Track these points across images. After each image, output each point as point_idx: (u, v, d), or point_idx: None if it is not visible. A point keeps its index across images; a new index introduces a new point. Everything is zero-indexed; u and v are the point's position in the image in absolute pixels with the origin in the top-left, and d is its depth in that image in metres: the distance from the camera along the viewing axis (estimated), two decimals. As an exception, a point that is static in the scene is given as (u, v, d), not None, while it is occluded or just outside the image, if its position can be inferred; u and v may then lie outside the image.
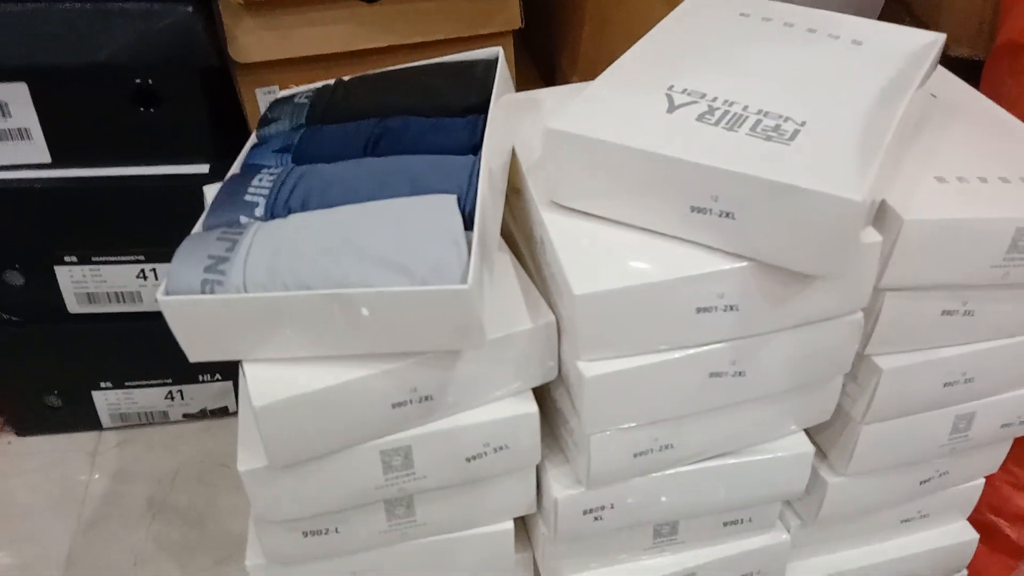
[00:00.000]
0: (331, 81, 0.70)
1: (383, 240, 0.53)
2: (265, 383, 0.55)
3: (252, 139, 0.68)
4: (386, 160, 0.61)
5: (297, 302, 0.52)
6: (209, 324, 0.54)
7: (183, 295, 0.53)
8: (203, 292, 0.53)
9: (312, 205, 0.58)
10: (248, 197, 0.59)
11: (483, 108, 0.64)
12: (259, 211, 0.58)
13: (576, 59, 0.98)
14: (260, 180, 0.60)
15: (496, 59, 0.68)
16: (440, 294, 0.51)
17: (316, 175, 0.60)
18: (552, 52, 1.09)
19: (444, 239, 0.53)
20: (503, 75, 0.67)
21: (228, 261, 0.53)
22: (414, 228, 0.54)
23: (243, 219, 0.58)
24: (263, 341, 0.55)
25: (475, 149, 0.61)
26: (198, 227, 0.59)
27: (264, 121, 0.68)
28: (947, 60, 0.79)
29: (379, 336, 0.54)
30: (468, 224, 0.55)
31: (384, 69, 0.70)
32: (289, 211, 0.58)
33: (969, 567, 0.87)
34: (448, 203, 0.56)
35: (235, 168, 0.65)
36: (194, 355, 0.56)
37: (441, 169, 0.59)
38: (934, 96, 0.72)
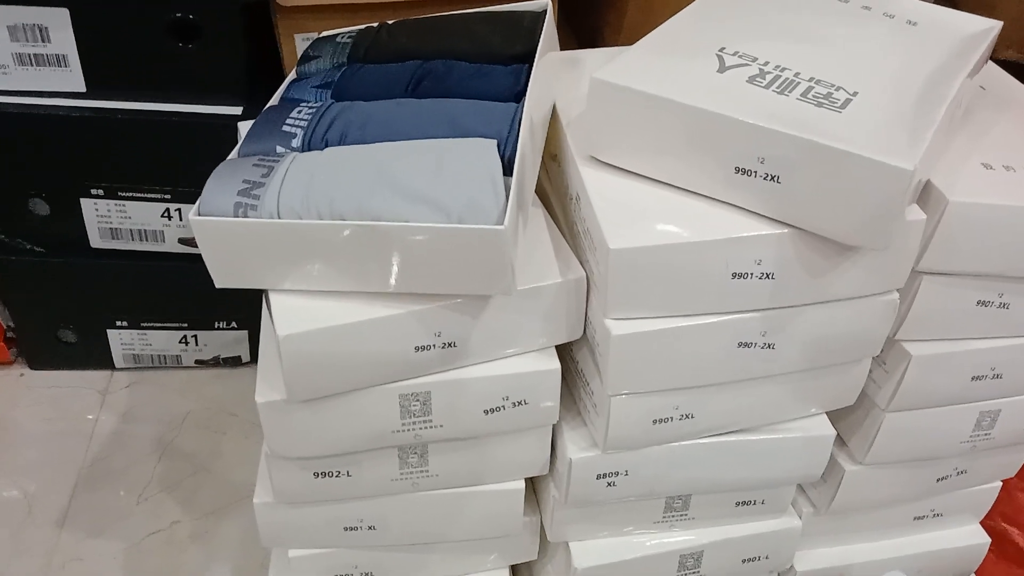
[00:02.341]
0: (374, 24, 0.69)
1: (421, 177, 0.53)
2: (290, 313, 0.54)
3: (291, 75, 0.67)
4: (427, 101, 0.60)
5: (330, 231, 0.52)
6: (239, 249, 0.53)
7: (215, 216, 0.52)
8: (236, 215, 0.52)
9: (350, 140, 0.57)
10: (286, 128, 0.58)
11: (528, 58, 0.63)
12: (296, 142, 0.58)
13: (620, 31, 0.97)
14: (299, 112, 0.59)
15: (543, 12, 0.67)
16: (475, 233, 0.50)
17: (356, 111, 0.59)
18: (594, 24, 1.07)
19: (483, 180, 0.52)
20: (550, 27, 0.66)
21: (263, 186, 0.53)
22: (453, 167, 0.53)
23: (279, 149, 0.58)
24: (292, 271, 0.54)
25: (517, 97, 0.60)
26: (233, 155, 0.59)
27: (305, 58, 0.68)
28: (995, 63, 0.78)
29: (410, 274, 0.53)
30: (507, 171, 0.54)
31: (429, 15, 0.70)
32: (326, 144, 0.57)
33: (976, 573, 0.86)
34: (488, 146, 0.55)
35: (273, 101, 0.65)
36: (221, 280, 0.55)
37: (483, 113, 0.58)
38: (983, 88, 0.71)
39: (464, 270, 0.53)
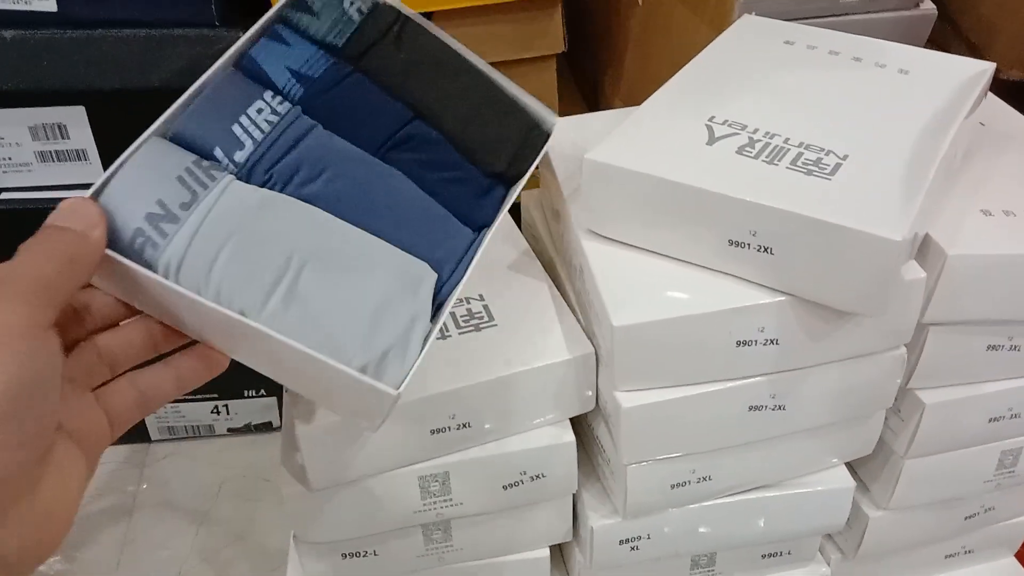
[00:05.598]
0: (393, 7, 0.59)
1: (335, 298, 0.47)
2: (306, 407, 0.56)
3: (276, 8, 0.56)
4: (390, 182, 0.54)
5: (218, 319, 0.45)
6: (128, 286, 0.45)
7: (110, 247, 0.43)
8: (133, 245, 0.44)
9: (296, 182, 0.50)
10: (237, 128, 0.50)
11: (511, 180, 0.59)
12: (240, 156, 0.49)
13: (619, 81, 0.98)
14: (259, 112, 0.51)
15: (548, 135, 0.62)
16: (368, 388, 0.46)
17: (316, 147, 0.52)
18: (595, 72, 1.09)
19: (398, 327, 0.48)
20: (544, 156, 0.62)
21: (177, 222, 0.45)
22: (375, 296, 0.48)
23: (219, 154, 0.49)
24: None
25: (482, 226, 0.56)
26: (174, 114, 0.50)
27: (301, 4, 0.57)
28: (1000, 83, 0.78)
29: (293, 381, 0.51)
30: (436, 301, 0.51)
31: (449, 43, 0.62)
32: (271, 178, 0.50)
33: (1016, 605, 0.85)
34: (425, 281, 0.51)
35: (244, 41, 0.54)
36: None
37: (439, 230, 0.54)
38: (982, 124, 0.71)
39: (342, 401, 0.50)
